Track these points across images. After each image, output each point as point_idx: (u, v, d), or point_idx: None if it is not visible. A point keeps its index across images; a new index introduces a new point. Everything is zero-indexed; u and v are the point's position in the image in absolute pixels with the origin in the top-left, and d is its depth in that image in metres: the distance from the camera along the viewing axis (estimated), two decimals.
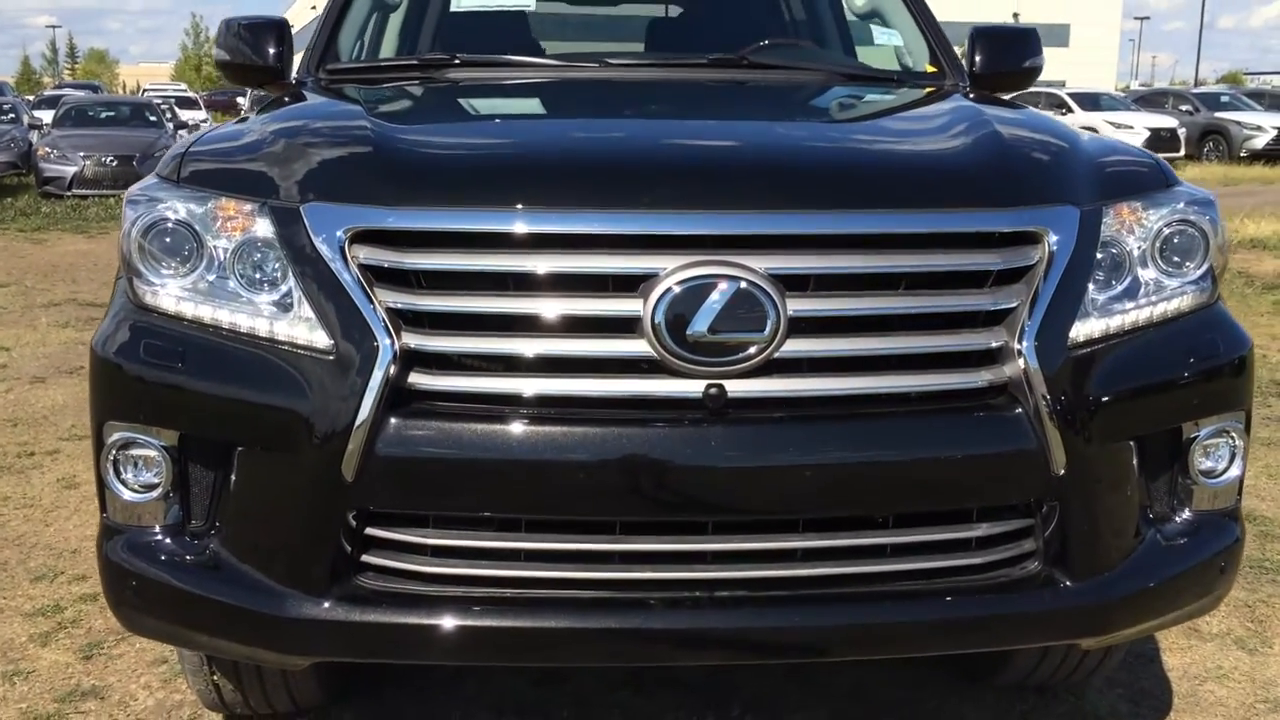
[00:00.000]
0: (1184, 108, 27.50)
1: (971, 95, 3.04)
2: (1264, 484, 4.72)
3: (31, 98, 35.03)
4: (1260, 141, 25.50)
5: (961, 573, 2.09)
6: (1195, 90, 32.90)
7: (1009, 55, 3.32)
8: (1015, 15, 69.46)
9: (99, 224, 13.93)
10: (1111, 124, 24.87)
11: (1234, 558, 2.31)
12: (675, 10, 4.22)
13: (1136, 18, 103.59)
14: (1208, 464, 2.27)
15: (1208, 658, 3.25)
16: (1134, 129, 24.84)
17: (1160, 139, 24.73)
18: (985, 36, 3.31)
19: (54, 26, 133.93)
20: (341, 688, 2.94)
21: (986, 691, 3.02)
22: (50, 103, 26.34)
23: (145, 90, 47.00)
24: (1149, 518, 2.22)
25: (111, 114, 19.62)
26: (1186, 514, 2.26)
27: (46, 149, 17.08)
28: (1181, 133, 25.31)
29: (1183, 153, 25.21)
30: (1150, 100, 29.27)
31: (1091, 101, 26.83)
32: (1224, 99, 28.86)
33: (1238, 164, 24.81)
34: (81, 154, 16.71)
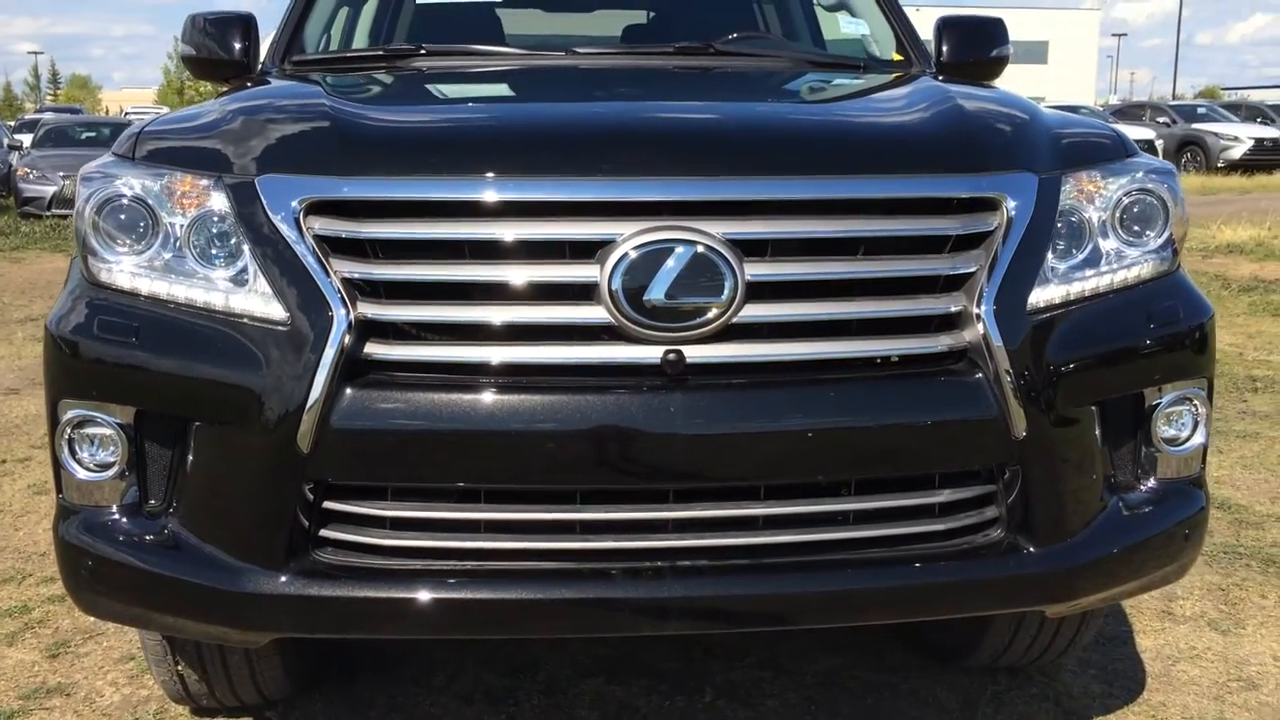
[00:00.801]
0: (1161, 120, 27.72)
1: (937, 77, 3.05)
2: (1239, 474, 4.73)
3: (12, 123, 34.93)
4: (1237, 152, 25.71)
5: (924, 540, 2.08)
6: (1172, 103, 33.15)
7: (976, 44, 3.31)
8: None
9: (71, 257, 13.84)
10: None
11: (1198, 525, 2.30)
12: (647, 13, 4.23)
13: (1114, 34, 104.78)
14: (1170, 432, 2.27)
15: (1181, 639, 3.24)
16: None
17: None
18: (952, 26, 3.31)
19: (36, 53, 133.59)
20: (310, 679, 2.91)
21: (960, 674, 3.00)
22: (31, 127, 26.26)
23: (127, 113, 46.92)
24: (1113, 485, 2.21)
25: (92, 134, 19.59)
26: (1150, 482, 2.26)
27: (26, 169, 17.04)
28: (1159, 144, 25.46)
29: None
30: (1127, 113, 29.45)
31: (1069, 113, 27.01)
32: (1200, 111, 29.10)
33: (1215, 174, 25.01)
34: (61, 174, 16.63)
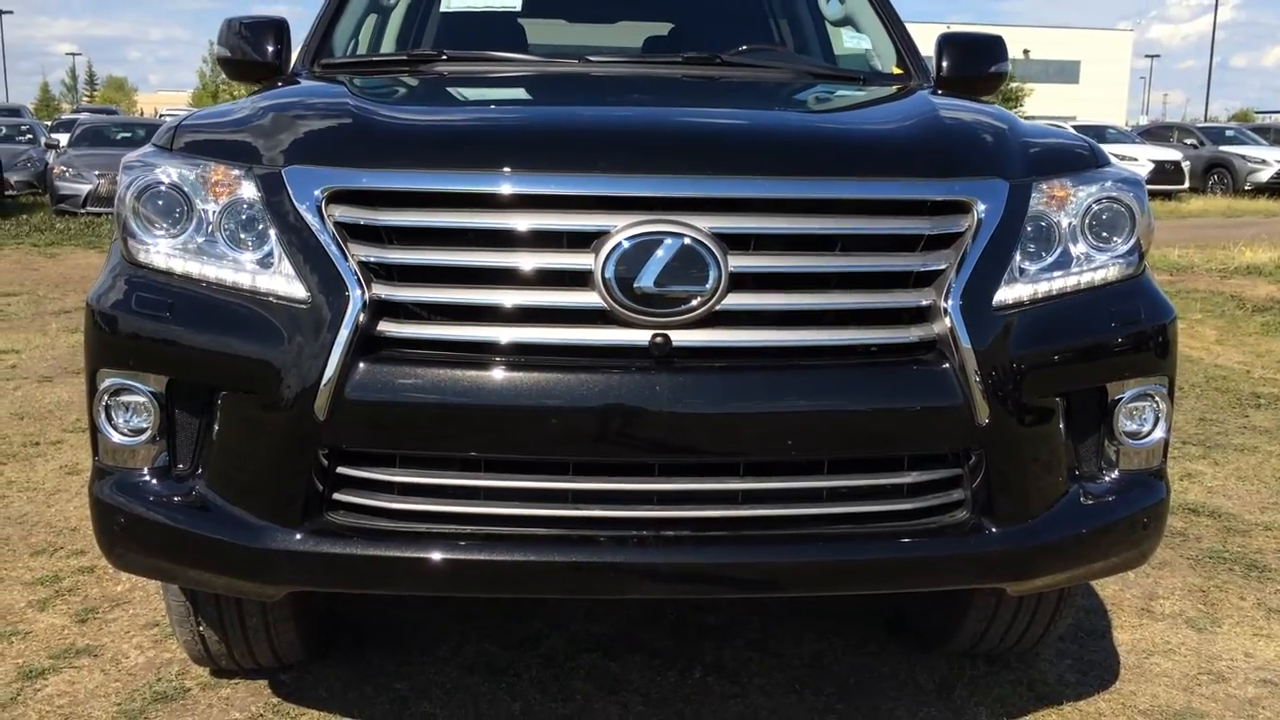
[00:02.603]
0: (1189, 141, 27.68)
1: (930, 91, 3.20)
2: (1233, 485, 4.85)
3: (50, 122, 35.50)
4: (1265, 175, 25.64)
5: (894, 518, 2.23)
6: (1200, 125, 33.07)
7: (975, 60, 3.45)
8: (1025, 52, 69.98)
9: (111, 240, 14.13)
10: (1116, 156, 24.95)
11: (1158, 515, 2.44)
12: (666, 25, 4.39)
13: (1147, 55, 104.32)
14: (1132, 426, 2.41)
15: (1157, 635, 3.37)
16: (1138, 161, 25.00)
17: (1164, 171, 24.89)
18: (952, 42, 3.46)
19: (74, 54, 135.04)
20: (322, 646, 3.08)
21: (940, 659, 3.14)
22: (68, 126, 26.73)
23: (162, 114, 47.52)
24: (1075, 473, 2.36)
25: (127, 135, 19.91)
26: (1112, 472, 2.40)
27: (62, 167, 17.36)
28: (1186, 165, 25.44)
29: (1187, 185, 25.36)
30: (1155, 134, 29.46)
31: (1097, 134, 26.98)
32: (1229, 133, 29.03)
33: (1242, 197, 24.97)
34: (96, 172, 16.96)
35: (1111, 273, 2.39)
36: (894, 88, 3.34)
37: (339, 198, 2.17)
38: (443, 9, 3.87)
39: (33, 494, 4.52)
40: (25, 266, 11.72)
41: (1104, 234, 2.41)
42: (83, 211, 16.61)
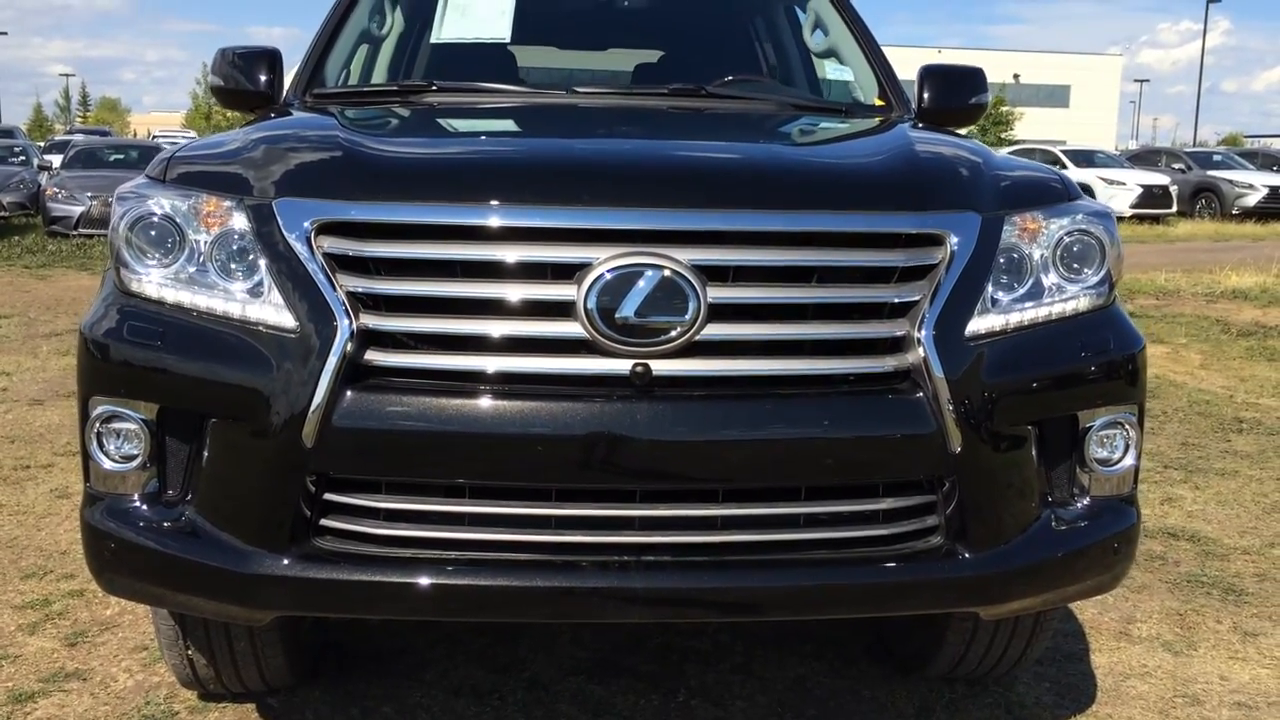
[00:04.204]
0: (1177, 166, 27.90)
1: (909, 123, 3.27)
2: (1213, 509, 4.90)
3: (43, 143, 35.57)
4: (1252, 200, 25.87)
5: (869, 543, 2.28)
6: (1188, 150, 33.33)
7: (956, 92, 3.53)
8: (1016, 76, 70.45)
9: (103, 262, 14.11)
10: (1104, 180, 25.25)
11: (1128, 540, 2.49)
12: (655, 54, 4.46)
13: (1136, 80, 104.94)
14: (1103, 453, 2.46)
15: (1134, 658, 3.42)
16: (1126, 185, 25.21)
17: (1153, 195, 25.10)
18: (933, 74, 3.53)
19: (68, 75, 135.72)
20: (310, 670, 3.11)
21: (919, 683, 3.19)
22: (61, 148, 26.79)
23: (155, 136, 47.67)
24: (1047, 499, 2.41)
25: (120, 156, 20.00)
26: (1084, 498, 2.45)
27: (55, 189, 17.43)
28: (1174, 190, 25.65)
29: (1175, 209, 25.55)
30: (1144, 158, 29.68)
31: (1086, 158, 27.23)
32: (1216, 158, 29.28)
33: (1230, 221, 25.16)
34: (89, 194, 17.05)
35: (1082, 303, 2.45)
36: (874, 120, 3.41)
37: (328, 229, 2.22)
38: (433, 40, 3.93)
39: (23, 517, 4.55)
40: (17, 289, 11.75)
41: (1075, 265, 2.47)
42: (75, 233, 16.68)
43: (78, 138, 27.68)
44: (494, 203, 2.21)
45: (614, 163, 2.48)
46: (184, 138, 43.68)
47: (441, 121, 3.11)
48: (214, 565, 2.24)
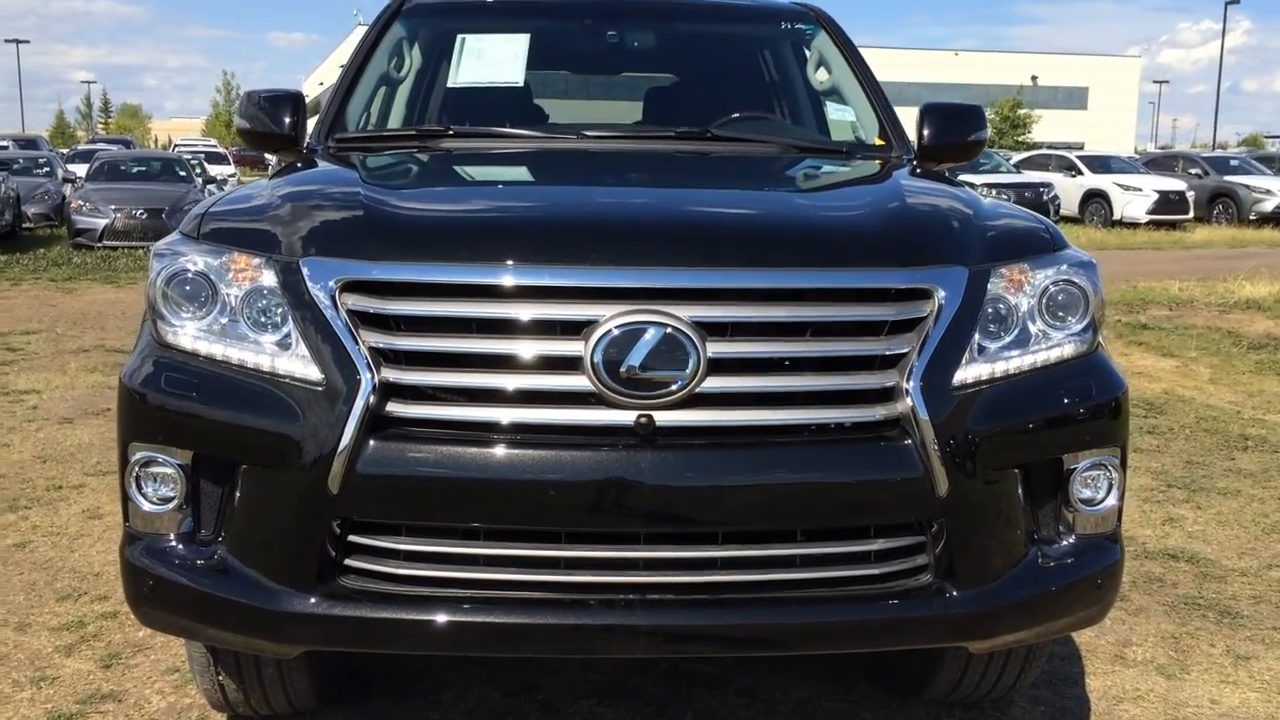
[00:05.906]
0: (1193, 171, 27.89)
1: (908, 166, 3.40)
2: (1213, 530, 5.00)
3: (66, 151, 36.03)
4: (1269, 205, 25.85)
5: (862, 582, 2.41)
6: (1205, 154, 33.26)
7: (954, 129, 3.66)
8: (1034, 78, 70.37)
9: (128, 274, 14.44)
10: (1120, 186, 25.28)
11: (1112, 576, 2.62)
12: (667, 77, 4.61)
13: (1156, 81, 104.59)
14: (1087, 493, 2.59)
15: (1128, 682, 3.53)
16: (1143, 191, 25.23)
17: (1169, 201, 25.10)
18: (933, 112, 3.66)
19: (90, 82, 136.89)
20: (333, 693, 3.26)
21: (918, 706, 3.31)
22: (84, 157, 27.13)
23: (176, 146, 48.10)
24: (1033, 538, 2.53)
25: (143, 169, 20.27)
26: (1069, 537, 2.57)
27: (79, 201, 17.68)
28: (1190, 195, 25.64)
29: (1191, 215, 25.54)
30: (1160, 163, 29.68)
31: (1101, 164, 27.25)
32: (1233, 163, 29.24)
33: (1247, 227, 25.13)
34: (113, 207, 17.29)
35: (1066, 350, 2.57)
36: (873, 163, 3.54)
37: (351, 287, 2.37)
38: (449, 84, 4.08)
39: (57, 539, 4.71)
40: (43, 302, 11.96)
41: (1060, 314, 2.59)
42: (100, 245, 16.90)
43: (102, 149, 28.01)
44: (508, 263, 2.35)
45: (620, 223, 2.63)
46: (205, 146, 44.10)
47: (458, 171, 3.26)
48: (244, 602, 2.39)
